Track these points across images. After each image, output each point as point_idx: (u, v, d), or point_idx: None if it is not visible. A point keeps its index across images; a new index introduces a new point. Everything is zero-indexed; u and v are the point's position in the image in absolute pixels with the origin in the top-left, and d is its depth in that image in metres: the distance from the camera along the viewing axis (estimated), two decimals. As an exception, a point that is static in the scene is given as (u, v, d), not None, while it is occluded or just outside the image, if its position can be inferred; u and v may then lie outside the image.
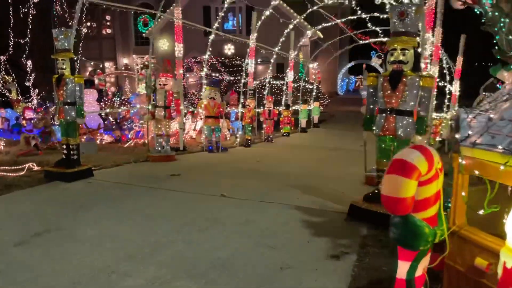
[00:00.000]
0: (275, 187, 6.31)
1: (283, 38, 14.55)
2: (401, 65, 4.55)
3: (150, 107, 8.45)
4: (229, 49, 25.38)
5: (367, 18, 14.66)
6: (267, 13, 12.65)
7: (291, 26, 14.92)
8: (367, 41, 19.17)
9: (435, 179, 2.13)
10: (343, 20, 17.91)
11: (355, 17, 15.12)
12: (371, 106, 4.93)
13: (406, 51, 4.52)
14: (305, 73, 24.24)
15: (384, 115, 4.69)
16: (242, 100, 12.39)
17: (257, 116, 12.60)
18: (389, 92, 4.62)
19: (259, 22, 12.31)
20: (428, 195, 2.17)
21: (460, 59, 14.23)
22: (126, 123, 11.54)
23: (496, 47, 5.30)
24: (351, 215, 4.79)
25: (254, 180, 6.81)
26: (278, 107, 14.52)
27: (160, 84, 8.40)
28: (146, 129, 11.09)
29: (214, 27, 12.90)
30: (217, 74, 18.40)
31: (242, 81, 12.81)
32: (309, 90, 19.26)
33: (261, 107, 13.53)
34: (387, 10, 12.91)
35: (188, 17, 10.18)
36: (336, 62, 30.66)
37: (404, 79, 4.52)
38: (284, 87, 15.58)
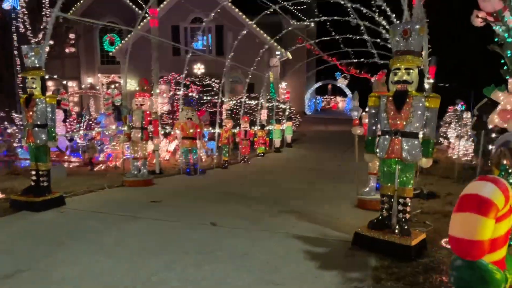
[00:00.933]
0: (266, 213, 5.94)
1: (258, 58, 14.39)
2: (405, 85, 4.35)
3: (125, 128, 7.94)
4: (198, 68, 25.03)
5: (340, 39, 14.74)
6: (243, 32, 12.44)
7: (266, 46, 14.83)
8: (334, 63, 19.45)
9: (508, 215, 1.84)
10: (311, 41, 18.11)
11: (328, 38, 15.17)
12: (373, 128, 4.70)
13: (411, 71, 4.34)
14: (275, 93, 24.26)
15: (388, 137, 4.45)
16: (218, 120, 12.03)
17: (233, 135, 12.22)
18: (393, 113, 4.40)
19: (236, 42, 12.08)
20: (500, 234, 1.87)
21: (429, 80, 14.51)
22: (96, 145, 10.88)
23: (505, 67, 5.25)
24: (356, 244, 4.48)
25: (241, 206, 6.42)
26: (253, 127, 14.23)
27: (136, 104, 7.93)
28: (120, 151, 10.53)
29: (195, 45, 12.52)
30: (193, 94, 17.93)
31: (219, 100, 12.45)
32: (281, 109, 19.13)
33: (237, 127, 13.19)
34: (361, 31, 13.15)
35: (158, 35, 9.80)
36: (303, 82, 30.94)
37: (409, 100, 4.32)
38: (259, 107, 15.34)
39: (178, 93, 11.20)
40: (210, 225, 5.30)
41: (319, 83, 34.90)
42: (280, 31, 30.54)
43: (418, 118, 4.32)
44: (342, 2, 9.97)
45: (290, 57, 24.82)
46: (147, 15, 25.61)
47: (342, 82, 33.88)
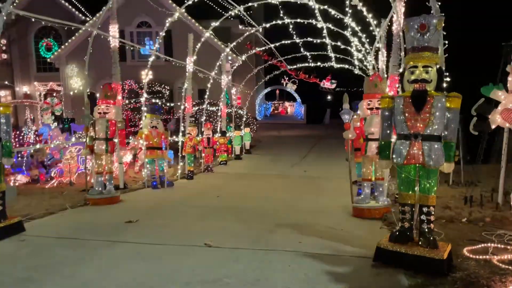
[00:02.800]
0: (263, 228, 5.38)
1: (219, 62, 13.82)
2: (424, 84, 4.02)
3: (87, 140, 7.06)
4: (147, 74, 23.91)
5: (300, 43, 14.55)
6: (203, 39, 11.80)
7: (223, 54, 14.31)
8: (283, 68, 19.39)
9: None
10: (271, 46, 17.88)
11: (288, 42, 14.93)
12: (387, 131, 4.32)
13: (430, 69, 4.01)
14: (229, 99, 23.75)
15: (406, 141, 4.09)
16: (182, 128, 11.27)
17: (198, 143, 11.51)
18: (412, 115, 4.05)
19: (195, 46, 11.42)
20: None
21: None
22: (46, 160, 9.75)
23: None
24: (378, 260, 4.06)
25: (231, 221, 5.82)
26: (214, 135, 13.58)
27: (100, 113, 7.08)
28: (74, 165, 9.50)
29: (148, 50, 11.66)
30: (157, 101, 16.91)
31: (180, 107, 11.68)
32: (238, 116, 18.65)
33: (199, 135, 12.50)
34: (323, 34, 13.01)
35: (100, 40, 8.95)
36: (253, 88, 30.62)
37: (429, 100, 4.00)
38: (219, 114, 14.73)
39: (141, 99, 10.30)
40: (204, 247, 4.67)
41: (269, 89, 34.84)
42: (229, 36, 30.13)
43: (439, 120, 3.99)
44: (311, 4, 9.68)
45: (240, 62, 24.51)
46: (88, 18, 24.20)
47: (291, 87, 34.01)
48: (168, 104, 18.20)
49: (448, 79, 4.30)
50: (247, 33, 14.49)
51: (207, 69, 13.75)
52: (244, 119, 18.08)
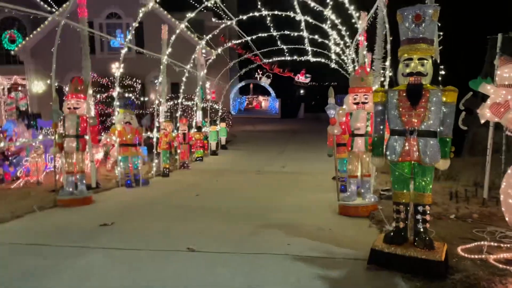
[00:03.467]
0: (246, 230, 5.12)
1: (195, 55, 13.41)
2: (419, 77, 3.83)
3: (56, 137, 6.59)
4: (117, 68, 23.15)
5: (277, 36, 14.31)
6: (179, 28, 11.38)
7: (198, 47, 13.91)
8: (258, 62, 19.15)
9: None
10: (250, 39, 17.59)
11: (255, 36, 14.67)
12: (381, 127, 4.11)
13: (425, 61, 3.83)
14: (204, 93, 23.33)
15: (401, 137, 3.90)
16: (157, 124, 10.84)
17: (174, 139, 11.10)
18: (407, 109, 3.86)
19: (170, 39, 10.99)
20: None
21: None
22: (11, 158, 9.15)
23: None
24: (373, 262, 3.86)
25: (213, 222, 5.53)
26: (189, 130, 13.20)
27: (69, 108, 6.62)
28: (41, 164, 8.97)
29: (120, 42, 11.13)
30: (130, 95, 16.31)
31: (156, 101, 11.22)
32: (213, 110, 18.29)
33: (174, 131, 12.10)
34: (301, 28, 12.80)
35: (69, 32, 8.44)
36: (228, 82, 30.21)
37: (425, 94, 3.81)
38: (195, 108, 14.34)
39: (114, 94, 9.81)
40: (187, 252, 4.37)
41: (243, 83, 34.48)
42: (202, 29, 29.55)
43: (436, 115, 3.82)
44: None
45: (215, 56, 24.09)
46: (54, 9, 23.14)
47: (265, 81, 33.78)
48: (141, 99, 17.61)
49: (442, 72, 4.12)
50: (223, 25, 14.12)
51: (181, 62, 13.33)
52: (219, 114, 17.71)
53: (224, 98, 30.81)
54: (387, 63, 6.01)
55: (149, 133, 11.07)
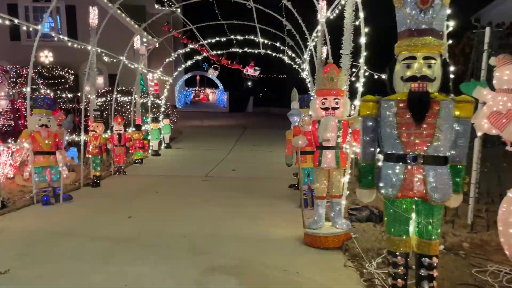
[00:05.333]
0: (195, 276, 3.89)
1: (136, 46, 11.82)
2: (425, 83, 2.81)
3: None
4: (46, 56, 20.81)
5: (225, 25, 13.03)
6: (111, 11, 9.80)
7: (137, 36, 12.34)
8: (205, 54, 17.83)
9: None
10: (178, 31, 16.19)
11: (201, 25, 13.35)
12: (371, 149, 3.04)
13: (433, 61, 2.81)
14: (145, 86, 21.60)
15: (400, 164, 2.86)
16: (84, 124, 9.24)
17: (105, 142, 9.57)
18: (410, 127, 2.83)
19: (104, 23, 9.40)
20: None
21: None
22: None
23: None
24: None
25: (150, 264, 4.24)
26: (127, 129, 11.66)
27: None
28: None
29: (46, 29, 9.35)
30: (48, 91, 14.28)
31: (83, 98, 9.57)
32: (155, 105, 16.72)
33: (108, 131, 10.55)
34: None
35: None
36: (172, 74, 28.51)
37: (434, 106, 2.79)
38: (133, 104, 12.77)
39: (27, 89, 8.15)
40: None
41: (189, 74, 32.80)
42: (144, 16, 27.53)
43: (447, 134, 2.82)
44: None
45: (157, 45, 22.37)
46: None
47: (212, 73, 32.27)
48: (70, 95, 15.65)
49: (452, 75, 3.11)
50: (165, 10, 12.62)
51: (119, 52, 11.72)
52: (162, 109, 16.19)
53: (169, 92, 29.23)
54: (361, 60, 4.97)
55: (74, 135, 9.46)
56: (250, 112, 33.16)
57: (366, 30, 4.96)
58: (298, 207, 6.60)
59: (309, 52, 9.41)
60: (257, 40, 14.02)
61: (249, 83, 46.06)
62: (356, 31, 5.61)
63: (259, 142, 16.82)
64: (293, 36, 10.89)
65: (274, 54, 15.32)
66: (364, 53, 4.98)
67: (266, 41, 14.00)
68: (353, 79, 5.25)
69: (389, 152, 2.92)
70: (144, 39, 21.99)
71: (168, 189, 8.37)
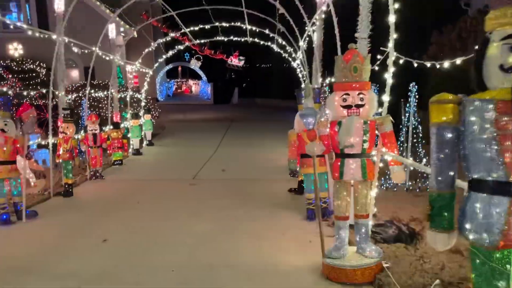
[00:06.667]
0: None
1: (112, 36, 10.61)
2: (540, 74, 1.83)
3: None
4: (15, 49, 19.28)
5: (209, 10, 11.91)
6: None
7: (111, 26, 11.12)
8: (187, 43, 16.71)
9: None
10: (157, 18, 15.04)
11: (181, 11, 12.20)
12: (450, 173, 2.06)
13: (551, 41, 1.83)
14: (123, 79, 20.35)
15: (501, 198, 1.90)
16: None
17: (77, 145, 8.43)
18: (518, 142, 1.86)
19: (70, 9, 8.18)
20: None
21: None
22: None
23: None
24: None
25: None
26: (103, 128, 10.49)
27: None
28: None
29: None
30: (5, 89, 12.89)
31: (50, 96, 8.36)
32: (135, 100, 15.53)
33: (81, 132, 9.39)
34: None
35: None
36: (153, 66, 27.20)
37: (555, 111, 1.82)
38: (109, 100, 11.58)
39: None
40: None
41: (170, 65, 31.41)
42: (120, 4, 26.02)
43: None
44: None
45: (135, 35, 21.05)
46: None
47: (195, 64, 31.03)
48: (44, 90, 14.29)
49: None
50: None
51: (93, 43, 10.49)
52: (143, 103, 15.00)
53: (150, 85, 27.91)
54: (390, 44, 3.98)
55: (39, 139, 8.27)
56: (236, 103, 32.05)
57: (396, 6, 3.94)
58: (304, 220, 5.70)
59: (307, 39, 8.37)
60: (244, 27, 12.93)
61: (232, 74, 44.85)
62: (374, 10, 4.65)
63: (248, 136, 15.83)
64: (286, 21, 9.83)
65: (262, 42, 14.28)
66: (394, 35, 3.97)
67: (254, 28, 12.93)
68: (376, 68, 4.26)
69: (481, 178, 1.94)
70: (122, 29, 20.61)
71: (151, 198, 7.31)
